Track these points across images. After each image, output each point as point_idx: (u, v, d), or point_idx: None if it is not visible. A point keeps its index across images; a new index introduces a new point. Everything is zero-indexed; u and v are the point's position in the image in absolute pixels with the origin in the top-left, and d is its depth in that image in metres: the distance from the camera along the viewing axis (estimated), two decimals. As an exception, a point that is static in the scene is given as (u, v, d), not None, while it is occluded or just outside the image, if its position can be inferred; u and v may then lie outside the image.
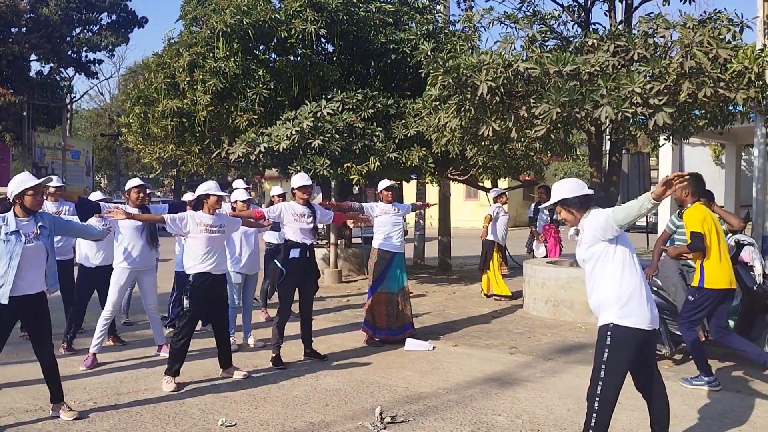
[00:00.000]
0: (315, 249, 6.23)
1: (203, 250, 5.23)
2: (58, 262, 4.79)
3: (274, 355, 5.86)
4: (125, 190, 6.16)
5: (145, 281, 6.10)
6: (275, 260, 6.12)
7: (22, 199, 4.29)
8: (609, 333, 3.34)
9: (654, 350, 3.63)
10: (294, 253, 5.91)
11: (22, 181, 4.30)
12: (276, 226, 6.63)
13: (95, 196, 7.91)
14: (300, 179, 6.08)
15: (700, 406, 4.72)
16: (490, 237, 9.52)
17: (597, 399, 3.32)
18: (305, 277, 6.04)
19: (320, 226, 6.50)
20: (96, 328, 5.90)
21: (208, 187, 5.36)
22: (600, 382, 3.33)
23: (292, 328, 7.04)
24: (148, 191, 6.15)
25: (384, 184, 6.86)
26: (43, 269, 4.37)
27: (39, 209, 4.40)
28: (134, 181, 6.06)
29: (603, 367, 3.33)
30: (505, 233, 9.68)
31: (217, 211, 5.44)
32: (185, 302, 5.31)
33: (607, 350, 3.33)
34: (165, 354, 6.06)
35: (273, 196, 8.36)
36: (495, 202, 9.69)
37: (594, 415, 3.32)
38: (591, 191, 3.54)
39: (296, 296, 6.11)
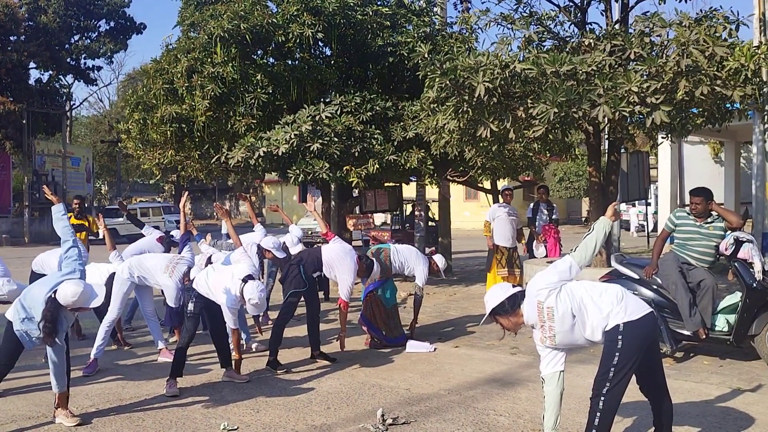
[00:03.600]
0: None
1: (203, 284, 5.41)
2: None
3: (271, 358, 5.87)
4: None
5: (142, 287, 6.20)
6: (300, 269, 6.09)
7: None
8: (620, 336, 3.33)
9: (659, 351, 3.64)
10: (318, 272, 6.17)
11: None
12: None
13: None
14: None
15: (702, 402, 4.73)
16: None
17: (602, 399, 3.32)
18: (315, 286, 6.36)
19: (322, 228, 6.55)
20: (97, 334, 5.91)
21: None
22: (607, 383, 3.32)
23: (294, 331, 7.06)
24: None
25: (440, 261, 7.18)
26: None
27: None
28: None
29: (612, 369, 3.32)
30: (508, 233, 9.42)
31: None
32: (190, 306, 5.34)
33: (618, 354, 3.32)
34: (164, 359, 6.09)
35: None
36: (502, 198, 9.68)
37: (598, 414, 3.32)
38: (510, 294, 3.55)
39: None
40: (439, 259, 7.13)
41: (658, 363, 3.57)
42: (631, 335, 3.33)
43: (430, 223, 19.46)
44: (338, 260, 6.04)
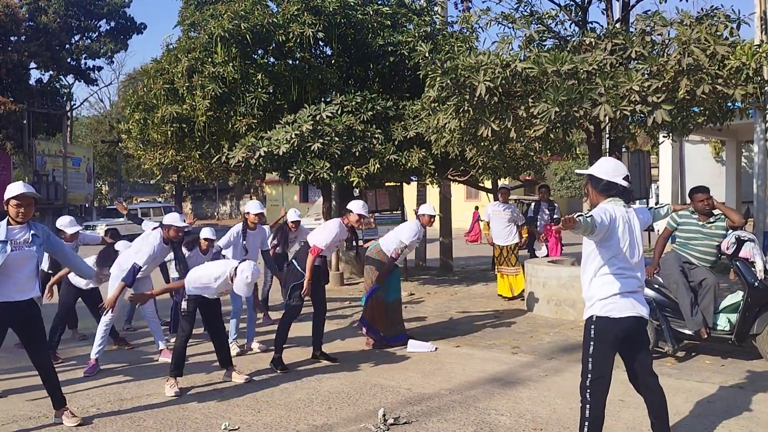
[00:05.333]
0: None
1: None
2: None
3: (276, 356, 5.86)
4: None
5: (141, 287, 6.14)
6: (294, 263, 6.09)
7: (7, 207, 4.27)
8: (592, 326, 3.43)
9: (645, 342, 3.62)
10: (317, 261, 6.01)
11: (8, 191, 4.29)
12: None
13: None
14: (358, 207, 6.13)
15: (704, 401, 4.72)
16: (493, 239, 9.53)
17: (588, 391, 3.40)
18: (319, 282, 6.17)
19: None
20: (96, 334, 5.90)
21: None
22: (588, 375, 3.41)
23: (294, 331, 7.04)
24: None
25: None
26: (34, 276, 4.33)
27: (24, 220, 4.31)
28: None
29: (590, 359, 3.41)
30: (502, 232, 9.41)
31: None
32: (183, 304, 5.33)
33: (592, 343, 3.42)
34: (165, 359, 6.08)
35: (290, 223, 8.29)
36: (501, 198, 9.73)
37: (588, 406, 3.40)
38: (619, 182, 3.49)
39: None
40: (427, 209, 6.80)
41: (641, 362, 3.56)
42: (602, 329, 3.39)
43: None
44: (320, 228, 6.14)
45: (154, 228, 6.34)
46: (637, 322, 3.44)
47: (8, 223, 4.28)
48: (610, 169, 3.54)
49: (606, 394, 3.42)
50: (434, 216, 6.83)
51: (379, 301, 6.70)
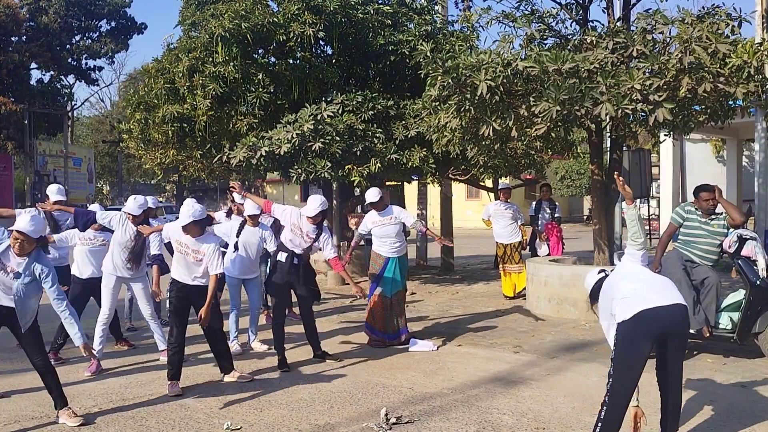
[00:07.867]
0: (308, 258, 6.19)
1: (180, 265, 5.24)
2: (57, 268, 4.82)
3: (279, 357, 5.86)
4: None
5: (134, 289, 6.12)
6: (266, 267, 6.16)
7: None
8: (616, 333, 3.50)
9: (681, 343, 3.57)
10: (281, 256, 6.01)
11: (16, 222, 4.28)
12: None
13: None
14: (315, 205, 5.91)
15: (706, 400, 4.71)
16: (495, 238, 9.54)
17: (608, 395, 3.45)
18: (292, 280, 6.00)
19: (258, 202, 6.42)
20: (95, 334, 5.89)
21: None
22: (610, 379, 3.45)
23: (296, 330, 7.05)
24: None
25: (369, 197, 6.68)
26: None
27: (20, 253, 4.26)
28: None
29: (612, 364, 3.46)
30: (503, 230, 9.45)
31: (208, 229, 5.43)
32: (167, 305, 5.32)
33: (614, 349, 3.48)
34: (166, 358, 6.07)
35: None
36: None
37: (605, 408, 3.43)
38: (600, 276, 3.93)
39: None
40: (368, 197, 6.77)
41: (673, 360, 3.55)
42: (623, 334, 3.44)
43: None
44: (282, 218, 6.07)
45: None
46: (650, 318, 3.40)
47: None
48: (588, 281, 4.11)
49: (627, 399, 3.43)
50: (373, 202, 6.64)
51: (380, 298, 6.69)
